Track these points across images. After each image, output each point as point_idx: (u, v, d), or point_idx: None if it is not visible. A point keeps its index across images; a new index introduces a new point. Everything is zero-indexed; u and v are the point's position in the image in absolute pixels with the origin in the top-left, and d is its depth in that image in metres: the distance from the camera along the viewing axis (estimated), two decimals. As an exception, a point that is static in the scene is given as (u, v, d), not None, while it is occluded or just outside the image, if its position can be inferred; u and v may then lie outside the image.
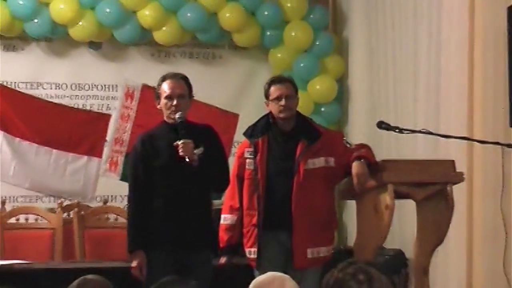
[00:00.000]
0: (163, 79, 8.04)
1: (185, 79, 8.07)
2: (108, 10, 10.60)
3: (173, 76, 8.08)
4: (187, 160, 7.76)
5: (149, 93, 9.65)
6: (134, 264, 7.87)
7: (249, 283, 5.21)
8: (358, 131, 10.80)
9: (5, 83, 10.47)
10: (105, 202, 10.41)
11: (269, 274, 5.19)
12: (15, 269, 8.59)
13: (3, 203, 10.29)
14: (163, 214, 7.89)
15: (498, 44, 8.96)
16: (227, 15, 10.97)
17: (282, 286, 4.95)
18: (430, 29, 10.21)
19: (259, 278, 5.10)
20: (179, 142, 7.75)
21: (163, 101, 7.96)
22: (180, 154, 7.74)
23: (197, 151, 7.78)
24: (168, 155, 7.87)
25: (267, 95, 8.12)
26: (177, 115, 7.88)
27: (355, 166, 7.86)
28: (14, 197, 10.42)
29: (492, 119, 9.25)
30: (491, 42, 9.32)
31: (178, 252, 7.75)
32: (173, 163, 7.85)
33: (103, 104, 10.92)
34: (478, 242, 9.54)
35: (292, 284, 4.97)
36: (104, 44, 11.01)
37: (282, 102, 7.96)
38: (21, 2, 10.38)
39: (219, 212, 8.26)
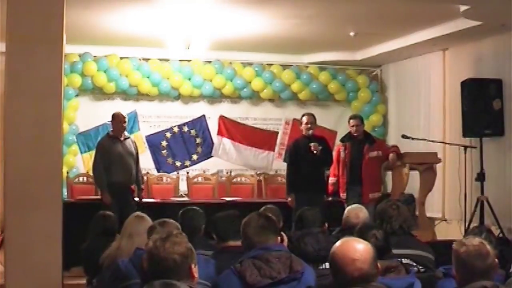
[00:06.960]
0: (303, 115, 8.26)
1: (313, 115, 8.25)
2: (277, 85, 10.73)
3: (307, 114, 8.30)
4: (314, 152, 7.94)
5: (296, 122, 9.78)
6: (289, 199, 8.06)
7: (342, 210, 5.32)
8: (392, 139, 10.71)
9: (233, 118, 10.64)
10: (276, 171, 10.45)
11: (354, 205, 5.35)
12: (236, 201, 8.83)
13: (231, 172, 10.46)
14: (302, 176, 8.01)
15: (456, 97, 8.88)
16: (332, 86, 10.97)
17: (360, 210, 5.10)
18: (425, 90, 10.17)
19: (349, 207, 5.26)
20: (311, 144, 7.95)
21: (303, 125, 8.15)
22: (312, 149, 7.93)
23: (319, 148, 7.96)
24: (305, 150, 8.03)
25: (348, 123, 8.24)
26: (309, 132, 8.07)
27: (391, 156, 7.99)
28: (234, 169, 10.52)
29: (454, 133, 9.19)
30: (453, 96, 9.27)
31: (308, 194, 7.84)
32: (307, 153, 8.00)
33: (275, 128, 10.95)
34: (447, 191, 9.53)
35: (364, 210, 5.13)
36: (276, 100, 11.06)
37: (354, 128, 8.09)
38: (238, 81, 10.59)
39: (327, 176, 8.33)
